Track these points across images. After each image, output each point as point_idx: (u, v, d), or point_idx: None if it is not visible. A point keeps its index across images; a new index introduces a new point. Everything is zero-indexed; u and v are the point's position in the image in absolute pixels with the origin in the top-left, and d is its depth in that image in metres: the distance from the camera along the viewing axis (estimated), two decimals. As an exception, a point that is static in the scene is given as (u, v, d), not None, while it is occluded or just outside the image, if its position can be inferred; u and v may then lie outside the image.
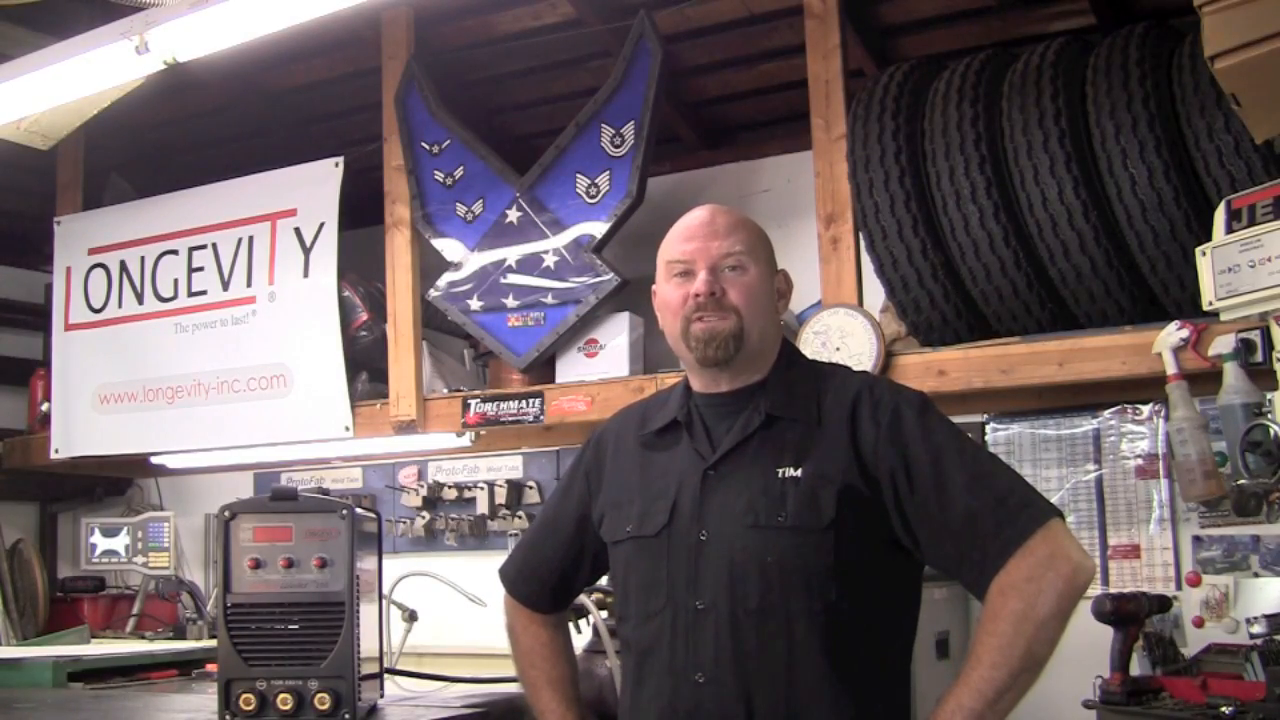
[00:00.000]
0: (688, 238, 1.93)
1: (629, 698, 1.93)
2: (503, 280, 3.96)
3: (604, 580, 2.15)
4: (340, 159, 4.16)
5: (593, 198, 3.83)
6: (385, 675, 2.69)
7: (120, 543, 4.91)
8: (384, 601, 2.97)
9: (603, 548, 2.03)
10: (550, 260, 3.88)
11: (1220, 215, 2.70)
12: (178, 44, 2.93)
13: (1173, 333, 2.93)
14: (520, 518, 4.46)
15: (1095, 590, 3.30)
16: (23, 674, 3.11)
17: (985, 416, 3.78)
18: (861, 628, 1.80)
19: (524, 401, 3.88)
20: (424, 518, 4.68)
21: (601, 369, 3.86)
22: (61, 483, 5.36)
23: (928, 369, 3.30)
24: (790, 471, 1.83)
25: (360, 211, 4.42)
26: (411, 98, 4.10)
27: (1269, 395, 2.68)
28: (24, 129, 3.79)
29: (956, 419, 3.65)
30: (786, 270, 2.04)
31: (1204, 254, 2.69)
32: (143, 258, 4.51)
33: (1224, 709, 2.52)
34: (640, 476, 1.98)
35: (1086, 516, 3.58)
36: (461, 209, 4.04)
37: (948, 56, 3.52)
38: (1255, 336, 2.80)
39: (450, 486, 4.66)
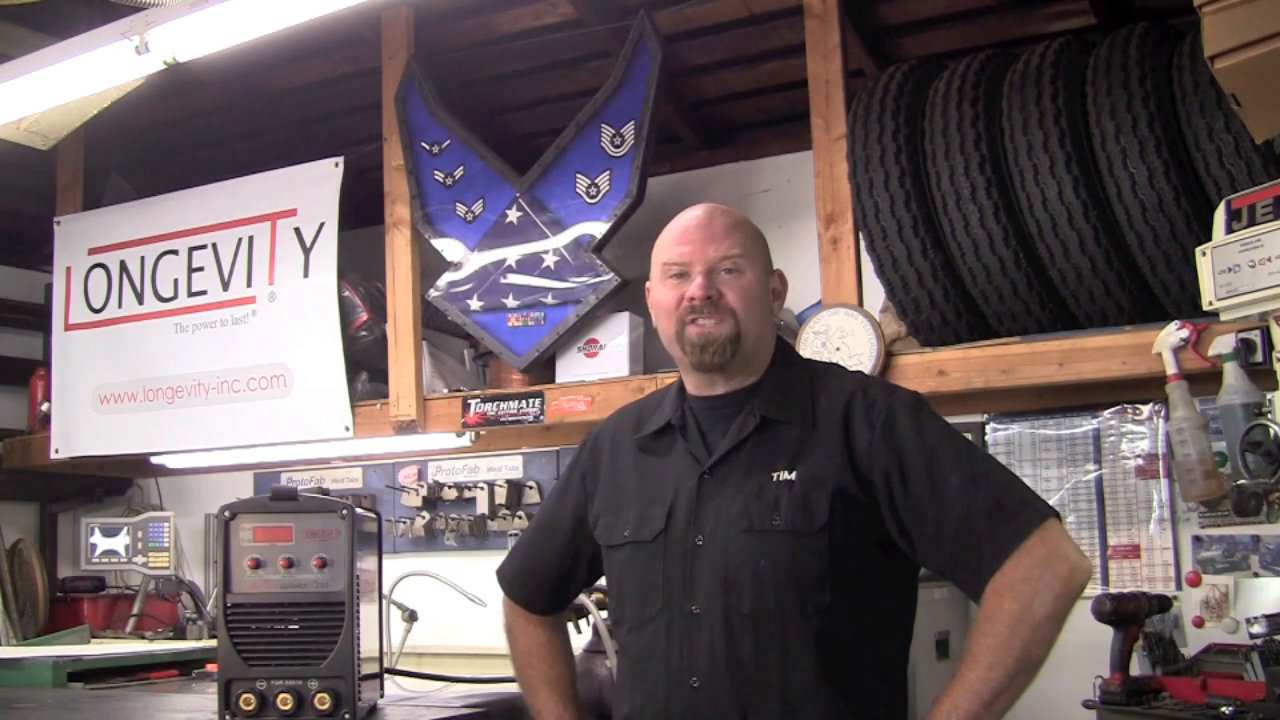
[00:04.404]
0: (684, 240, 1.92)
1: (625, 702, 1.92)
2: (503, 280, 3.96)
3: (602, 581, 2.15)
4: (340, 159, 4.16)
5: (593, 198, 3.83)
6: (385, 675, 2.68)
7: (120, 543, 4.91)
8: (384, 601, 2.97)
9: (600, 549, 2.03)
10: (550, 260, 3.88)
11: (1220, 215, 2.70)
12: (178, 44, 2.93)
13: (1173, 333, 2.93)
14: (520, 518, 4.46)
15: (1095, 590, 3.30)
16: (23, 674, 3.11)
17: (985, 416, 3.78)
18: (856, 631, 1.80)
19: (524, 401, 3.88)
20: (424, 518, 4.68)
21: (601, 369, 3.86)
22: (61, 483, 5.36)
23: (928, 369, 3.30)
24: (784, 475, 1.82)
25: (360, 211, 4.42)
26: (411, 98, 4.11)
27: (1269, 395, 2.67)
28: (24, 129, 3.79)
29: (956, 419, 3.67)
30: (782, 270, 2.03)
31: (1204, 254, 2.69)
32: (143, 258, 4.51)
33: (1224, 709, 2.52)
34: (636, 480, 1.97)
35: (1086, 516, 3.58)
36: (461, 209, 4.04)
37: (948, 56, 3.52)
38: (1255, 336, 2.80)
39: (450, 486, 4.66)
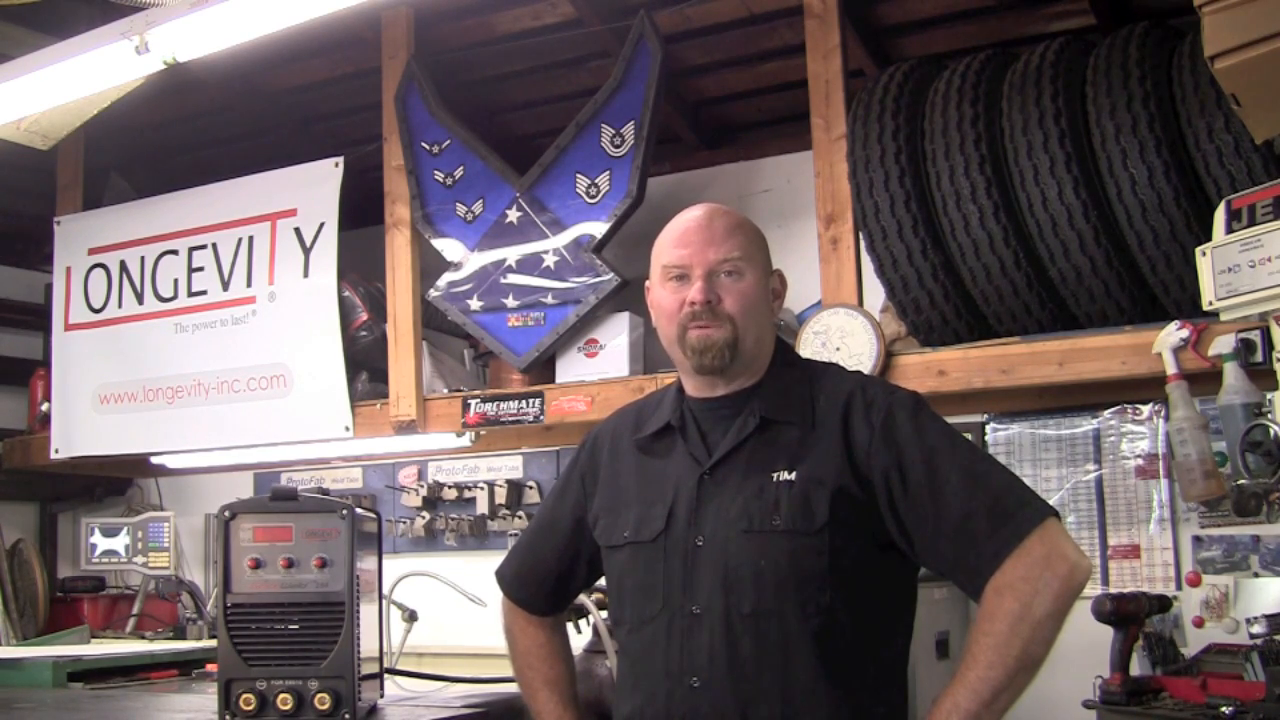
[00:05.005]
0: (683, 242, 1.91)
1: (625, 702, 1.92)
2: (503, 280, 3.96)
3: (602, 581, 2.15)
4: (340, 159, 4.16)
5: (593, 198, 3.83)
6: (385, 675, 2.68)
7: (120, 543, 4.91)
8: (384, 601, 2.97)
9: (599, 550, 2.03)
10: (550, 260, 3.88)
11: (1220, 215, 2.70)
12: (178, 44, 2.93)
13: (1173, 333, 2.93)
14: (520, 518, 4.46)
15: (1095, 590, 3.30)
16: (23, 674, 3.11)
17: (985, 416, 3.78)
18: (856, 630, 1.80)
19: (524, 401, 3.88)
20: (424, 518, 4.68)
21: (601, 369, 3.86)
22: (61, 483, 5.36)
23: (928, 369, 3.30)
24: (784, 475, 1.82)
25: (360, 211, 4.42)
26: (411, 98, 4.11)
27: (1269, 395, 2.68)
28: (24, 129, 3.79)
29: (956, 419, 3.67)
30: (782, 270, 2.03)
31: (1204, 254, 2.69)
32: (143, 258, 4.51)
33: (1224, 709, 2.52)
34: (636, 481, 1.97)
35: (1086, 516, 3.58)
36: (461, 209, 4.04)
37: (948, 56, 3.52)
38: (1255, 336, 2.80)
39: (450, 486, 4.66)
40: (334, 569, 2.29)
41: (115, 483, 5.46)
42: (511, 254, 3.95)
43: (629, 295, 3.77)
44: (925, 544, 1.79)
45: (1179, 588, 3.40)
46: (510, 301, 3.94)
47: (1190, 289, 2.88)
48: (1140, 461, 3.54)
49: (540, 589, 2.13)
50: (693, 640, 1.81)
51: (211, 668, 3.03)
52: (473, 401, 3.97)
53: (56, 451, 4.67)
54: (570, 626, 2.66)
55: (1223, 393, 2.79)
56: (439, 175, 4.08)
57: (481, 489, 4.55)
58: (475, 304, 4.00)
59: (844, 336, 3.38)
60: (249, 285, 4.27)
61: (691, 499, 1.87)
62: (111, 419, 4.53)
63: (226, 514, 2.32)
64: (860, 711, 1.78)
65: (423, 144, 4.10)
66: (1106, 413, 3.61)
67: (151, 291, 4.48)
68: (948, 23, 3.81)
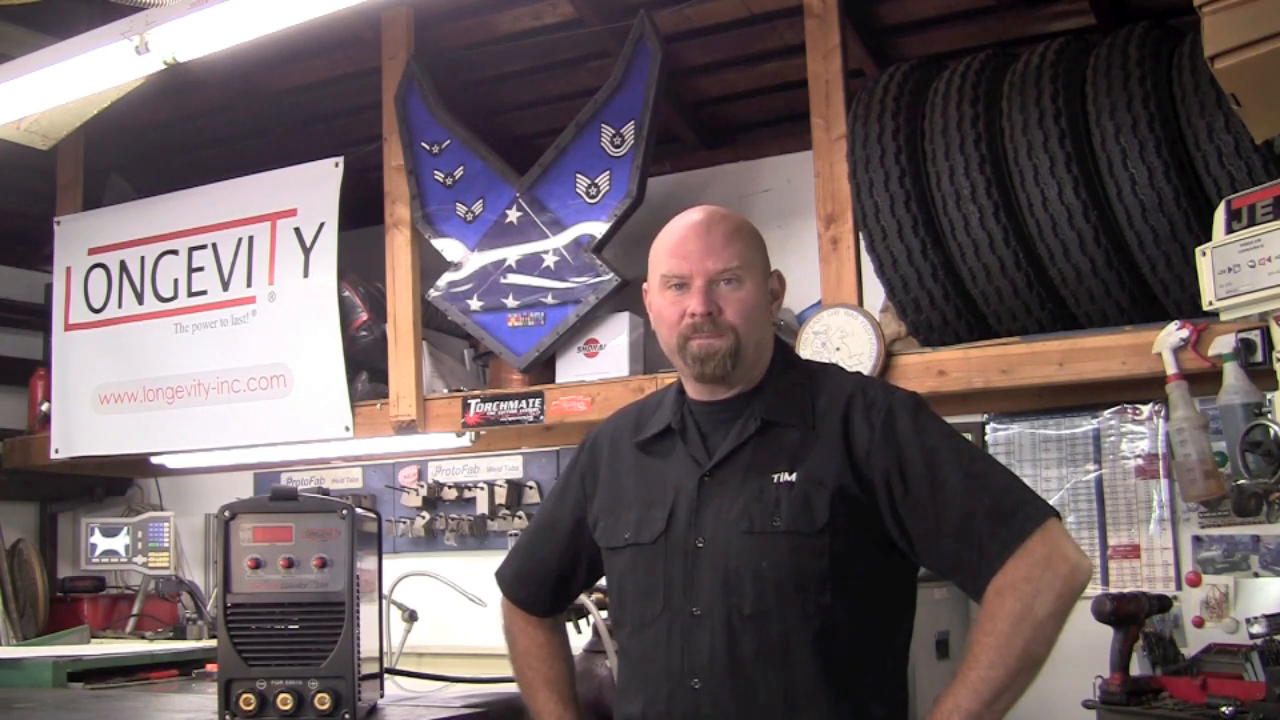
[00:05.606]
0: (683, 252, 1.89)
1: (626, 703, 1.92)
2: (503, 280, 3.96)
3: (602, 582, 2.15)
4: (340, 159, 4.16)
5: (593, 198, 3.83)
6: (385, 675, 2.69)
7: (120, 543, 4.91)
8: (384, 601, 2.97)
9: (599, 551, 2.03)
10: (550, 260, 3.88)
11: (1220, 215, 2.70)
12: (178, 44, 2.93)
13: (1173, 333, 2.93)
14: (520, 518, 4.46)
15: (1095, 590, 3.30)
16: (23, 674, 3.11)
17: (985, 416, 3.78)
18: (857, 631, 1.80)
19: (524, 401, 3.88)
20: (424, 518, 4.68)
21: (601, 369, 3.87)
22: (61, 483, 5.36)
23: (928, 369, 3.30)
24: (785, 476, 1.82)
25: (360, 211, 4.42)
26: (411, 98, 4.11)
27: (1269, 395, 2.68)
28: (24, 129, 3.79)
29: (956, 419, 3.67)
30: (780, 270, 2.02)
31: (1204, 254, 2.69)
32: (143, 258, 4.51)
33: (1224, 709, 2.52)
34: (636, 482, 1.97)
35: (1086, 516, 3.59)
36: (461, 209, 4.04)
37: (948, 56, 3.52)
38: (1255, 336, 2.80)
39: (450, 486, 4.66)
40: (334, 569, 2.29)
41: (115, 483, 5.46)
42: (511, 254, 3.95)
43: (629, 295, 3.77)
44: (926, 544, 1.79)
45: (1179, 588, 3.41)
46: (510, 301, 3.94)
47: (1190, 289, 2.88)
48: (1140, 461, 3.54)
49: (540, 590, 2.13)
50: (693, 641, 1.81)
51: (211, 668, 3.03)
52: (473, 401, 3.97)
53: (56, 451, 4.67)
54: (570, 626, 2.66)
55: (1223, 393, 2.79)
56: (439, 175, 4.08)
57: (481, 489, 4.56)
58: (475, 304, 4.00)
59: (844, 336, 3.38)
60: (249, 285, 4.27)
61: (692, 500, 1.87)
62: (111, 419, 4.53)
63: (226, 514, 2.32)
64: (861, 712, 1.78)
65: (423, 144, 4.10)
66: (1106, 413, 3.61)
67: (151, 291, 4.48)
68: (948, 23, 3.81)
